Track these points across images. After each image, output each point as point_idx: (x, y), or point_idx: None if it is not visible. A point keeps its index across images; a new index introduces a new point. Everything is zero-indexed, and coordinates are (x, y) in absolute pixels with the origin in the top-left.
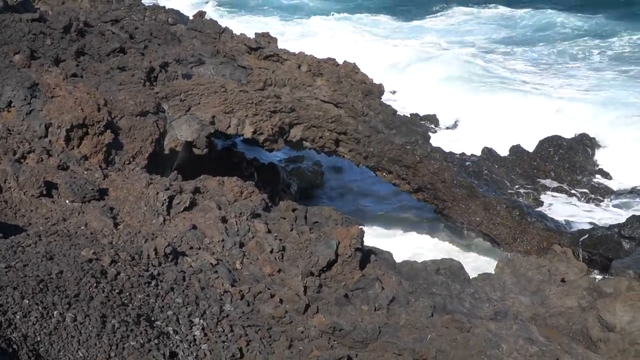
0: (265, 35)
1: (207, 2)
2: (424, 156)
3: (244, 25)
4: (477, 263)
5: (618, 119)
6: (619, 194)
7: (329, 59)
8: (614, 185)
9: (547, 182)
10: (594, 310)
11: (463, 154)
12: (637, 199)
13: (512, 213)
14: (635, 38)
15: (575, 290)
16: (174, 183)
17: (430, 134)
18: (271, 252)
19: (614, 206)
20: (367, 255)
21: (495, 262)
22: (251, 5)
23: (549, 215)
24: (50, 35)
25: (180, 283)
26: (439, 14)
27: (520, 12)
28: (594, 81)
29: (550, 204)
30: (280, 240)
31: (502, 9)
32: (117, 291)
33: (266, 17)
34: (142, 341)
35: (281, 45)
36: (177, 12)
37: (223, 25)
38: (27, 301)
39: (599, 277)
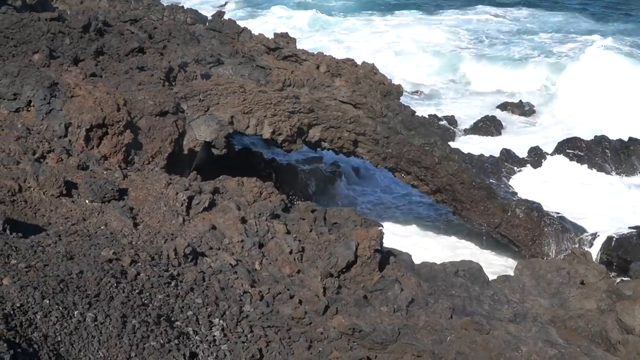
0: (284, 35)
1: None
2: (442, 157)
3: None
4: (496, 265)
5: None
6: None
7: (348, 59)
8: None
9: None
10: (613, 312)
11: (482, 155)
12: None
13: (531, 215)
14: None
15: (594, 292)
16: (193, 183)
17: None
18: (290, 253)
19: None
20: (386, 256)
21: (515, 264)
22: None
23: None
24: (69, 34)
25: (200, 283)
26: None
27: None
28: None
29: None
30: (300, 241)
31: None
32: (137, 291)
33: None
34: (162, 341)
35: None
36: (196, 12)
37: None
38: (47, 301)
39: (618, 279)
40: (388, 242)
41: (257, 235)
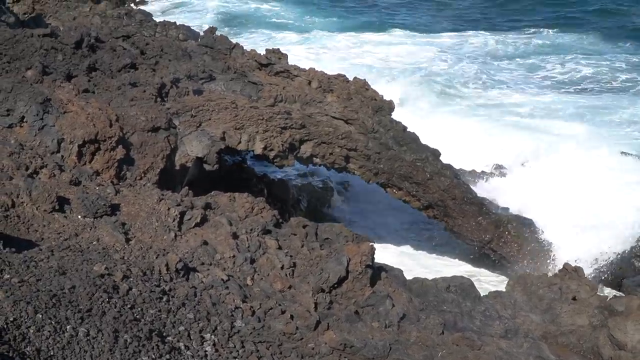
0: (276, 51)
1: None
2: (434, 173)
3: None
4: (488, 280)
5: None
6: None
7: (339, 75)
8: None
9: None
10: (605, 328)
11: (473, 170)
12: None
13: (522, 230)
14: None
15: (586, 308)
16: (185, 199)
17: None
18: (282, 268)
19: None
20: (377, 272)
21: (506, 280)
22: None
23: None
24: (62, 50)
25: (191, 299)
26: None
27: None
28: None
29: None
30: (291, 256)
31: None
32: (129, 306)
33: None
34: (154, 356)
35: None
36: (188, 28)
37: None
38: (40, 315)
39: (610, 295)
40: (379, 258)
41: (249, 251)
